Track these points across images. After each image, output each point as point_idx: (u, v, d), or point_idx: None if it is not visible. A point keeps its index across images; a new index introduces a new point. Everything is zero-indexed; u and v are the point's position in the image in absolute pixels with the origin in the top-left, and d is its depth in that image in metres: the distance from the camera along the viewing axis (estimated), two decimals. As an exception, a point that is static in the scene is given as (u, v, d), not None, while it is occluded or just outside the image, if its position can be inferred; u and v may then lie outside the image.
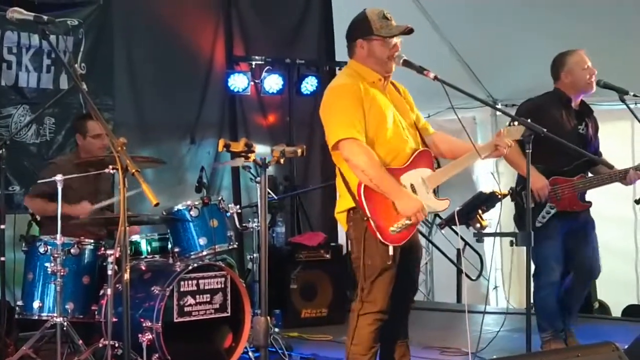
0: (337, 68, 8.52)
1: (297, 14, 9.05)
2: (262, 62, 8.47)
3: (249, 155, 3.57)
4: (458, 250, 9.61)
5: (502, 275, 10.15)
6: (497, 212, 6.46)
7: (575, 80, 5.88)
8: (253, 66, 8.42)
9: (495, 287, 10.37)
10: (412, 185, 4.50)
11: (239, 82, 8.32)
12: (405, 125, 4.61)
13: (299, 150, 3.78)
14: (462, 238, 8.95)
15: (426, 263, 11.06)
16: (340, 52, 8.32)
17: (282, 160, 3.70)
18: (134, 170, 3.51)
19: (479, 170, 9.74)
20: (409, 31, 4.59)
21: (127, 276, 3.54)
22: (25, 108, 7.23)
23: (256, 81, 8.56)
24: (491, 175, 9.73)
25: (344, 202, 4.54)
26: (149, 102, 8.16)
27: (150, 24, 8.14)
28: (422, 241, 10.72)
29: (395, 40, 4.59)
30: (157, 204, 3.48)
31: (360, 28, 4.59)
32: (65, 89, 7.23)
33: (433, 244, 10.44)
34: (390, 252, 4.40)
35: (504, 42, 9.15)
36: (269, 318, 4.18)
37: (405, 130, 4.58)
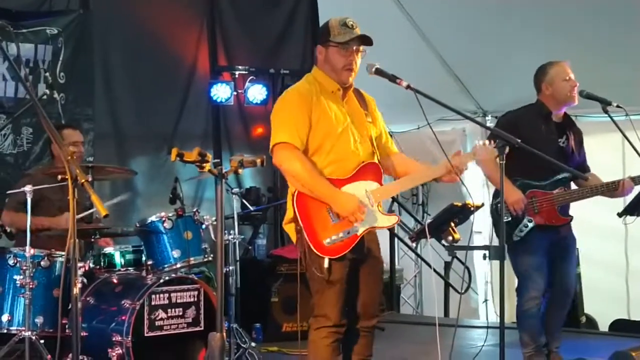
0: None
1: (282, 24, 8.97)
2: (246, 72, 8.37)
3: (203, 165, 3.46)
4: (446, 263, 9.51)
5: (492, 288, 10.06)
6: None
7: (555, 92, 5.75)
8: (236, 76, 8.32)
9: (485, 301, 10.27)
10: None
11: (221, 92, 8.22)
12: (359, 138, 4.51)
13: (258, 161, 3.67)
14: (448, 253, 8.83)
15: (415, 276, 10.98)
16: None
17: (240, 171, 3.60)
18: (83, 181, 3.40)
19: (468, 183, 9.59)
20: (365, 39, 4.47)
21: (76, 290, 3.42)
22: (2, 118, 7.10)
23: (239, 91, 8.45)
24: (481, 187, 9.66)
25: (289, 212, 4.48)
26: (130, 112, 8.07)
27: (131, 33, 8.06)
28: (411, 254, 10.68)
29: (356, 48, 4.46)
30: (106, 216, 3.38)
31: (321, 34, 4.55)
32: (45, 98, 7.09)
33: (421, 258, 10.34)
34: (325, 265, 4.32)
35: (493, 54, 9.13)
36: (227, 333, 4.04)
37: (357, 143, 4.48)
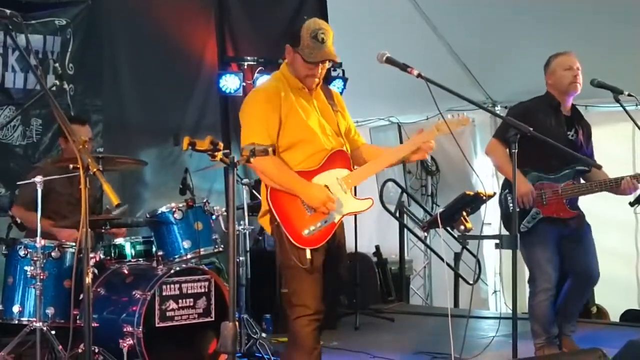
0: (330, 68, 8.36)
1: (290, 14, 8.90)
2: (254, 63, 8.33)
3: (215, 154, 3.44)
4: (456, 254, 9.50)
5: (502, 279, 10.05)
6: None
7: (557, 81, 5.79)
8: (245, 66, 8.28)
9: (495, 292, 10.26)
10: (326, 186, 4.46)
11: (230, 82, 8.17)
12: (330, 131, 4.58)
13: (270, 150, 3.65)
14: (460, 242, 8.84)
15: (424, 267, 10.95)
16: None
17: (252, 160, 3.58)
18: (94, 170, 3.39)
19: (479, 172, 9.59)
20: (331, 60, 4.53)
21: (88, 280, 3.41)
22: (12, 109, 7.09)
23: (248, 82, 8.41)
24: (490, 177, 9.65)
25: (264, 205, 4.54)
26: (138, 103, 8.02)
27: (140, 24, 8.00)
28: (420, 245, 10.65)
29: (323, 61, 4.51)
30: (118, 205, 3.37)
31: (292, 36, 4.54)
32: (54, 89, 7.07)
33: (430, 249, 10.31)
34: (308, 256, 4.37)
35: (502, 45, 9.09)
36: (238, 323, 4.03)
37: (328, 137, 4.54)
